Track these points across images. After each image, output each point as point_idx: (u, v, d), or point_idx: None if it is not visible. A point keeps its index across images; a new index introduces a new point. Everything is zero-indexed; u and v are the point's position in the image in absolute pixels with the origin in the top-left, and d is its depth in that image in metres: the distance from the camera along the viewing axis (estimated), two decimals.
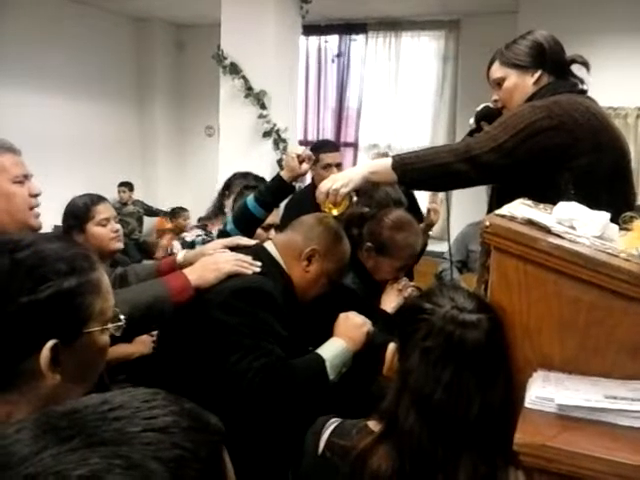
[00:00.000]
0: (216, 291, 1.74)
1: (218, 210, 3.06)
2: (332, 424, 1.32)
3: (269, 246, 1.92)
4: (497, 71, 2.07)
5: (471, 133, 2.18)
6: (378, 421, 1.25)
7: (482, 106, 2.19)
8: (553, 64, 2.01)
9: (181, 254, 2.09)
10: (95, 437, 0.50)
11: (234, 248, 1.94)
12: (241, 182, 2.94)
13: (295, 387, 1.63)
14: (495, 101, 2.13)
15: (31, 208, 1.84)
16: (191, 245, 2.84)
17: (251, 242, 2.01)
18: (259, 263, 1.80)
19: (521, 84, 2.02)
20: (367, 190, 3.16)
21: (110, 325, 1.00)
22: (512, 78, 2.03)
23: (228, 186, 3.07)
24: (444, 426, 1.13)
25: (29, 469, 0.48)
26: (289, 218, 3.58)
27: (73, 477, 0.47)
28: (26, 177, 1.82)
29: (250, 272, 1.76)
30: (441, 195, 3.22)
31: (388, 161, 1.97)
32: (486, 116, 2.14)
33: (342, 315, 1.86)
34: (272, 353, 1.63)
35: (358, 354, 1.78)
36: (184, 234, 3.07)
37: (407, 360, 1.19)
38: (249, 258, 1.80)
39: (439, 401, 1.13)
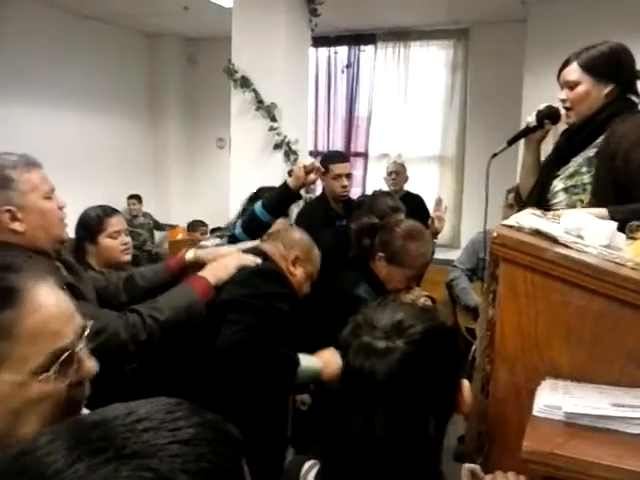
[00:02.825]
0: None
1: None
2: (312, 470, 1.18)
3: (268, 250, 2.15)
4: (573, 73, 2.06)
5: (531, 130, 2.18)
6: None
7: (544, 105, 2.16)
8: (626, 79, 2.03)
9: (191, 252, 2.18)
10: (126, 449, 0.51)
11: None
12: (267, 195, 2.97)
13: (264, 361, 1.80)
14: (562, 101, 2.11)
15: (61, 220, 1.90)
16: None
17: (252, 244, 2.25)
18: (259, 260, 2.04)
19: (593, 93, 2.03)
20: (367, 201, 3.22)
21: (41, 376, 0.84)
22: (586, 85, 2.03)
23: (254, 199, 3.06)
24: (363, 466, 1.01)
25: None
26: (300, 225, 3.62)
27: None
28: (52, 191, 1.87)
29: (254, 264, 2.01)
30: (445, 203, 3.24)
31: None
32: (550, 115, 2.14)
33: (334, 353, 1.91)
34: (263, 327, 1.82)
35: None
36: (202, 242, 3.09)
37: (334, 401, 1.09)
38: (249, 256, 2.05)
39: (353, 445, 1.02)
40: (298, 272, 2.11)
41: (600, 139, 2.02)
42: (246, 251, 2.14)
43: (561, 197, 2.09)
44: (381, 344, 1.01)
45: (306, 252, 2.14)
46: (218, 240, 2.99)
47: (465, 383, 1.12)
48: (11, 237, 1.76)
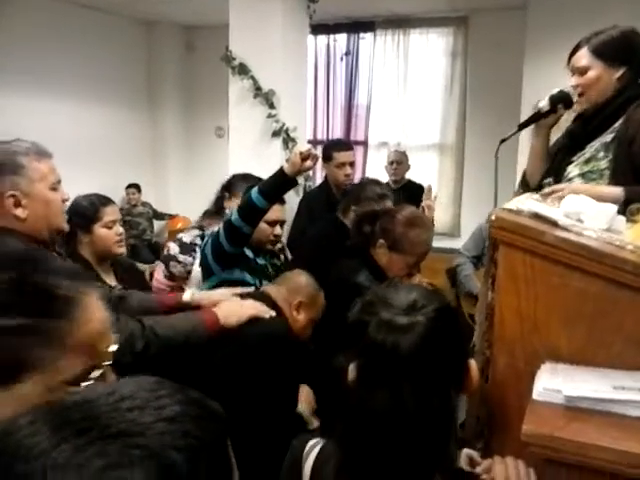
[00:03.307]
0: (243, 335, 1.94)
1: (217, 211, 2.95)
2: (314, 448, 1.19)
3: (271, 293, 2.12)
4: (583, 58, 2.04)
5: (543, 115, 2.15)
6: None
7: (557, 90, 2.13)
8: (638, 63, 2.01)
9: (188, 293, 2.17)
10: (112, 428, 0.51)
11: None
12: (242, 184, 2.84)
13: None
14: (574, 87, 2.08)
15: (62, 212, 1.92)
16: (191, 247, 2.81)
17: (250, 290, 2.25)
18: (274, 312, 1.99)
19: (605, 78, 2.01)
20: (354, 189, 3.22)
21: (71, 388, 0.82)
22: (597, 70, 2.01)
23: (228, 187, 2.97)
24: (386, 442, 1.01)
25: (49, 461, 0.49)
26: (301, 213, 3.63)
27: (94, 469, 0.48)
28: (59, 182, 1.88)
29: (267, 316, 1.98)
30: (445, 191, 3.22)
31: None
32: (563, 100, 2.10)
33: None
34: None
35: None
36: (180, 235, 2.96)
37: (351, 378, 1.09)
38: (265, 307, 2.00)
39: (379, 420, 1.02)
40: (301, 317, 2.09)
41: (617, 124, 2.01)
42: (247, 295, 2.11)
43: (577, 183, 2.07)
44: (403, 320, 1.03)
45: (311, 298, 2.11)
46: (197, 231, 2.93)
47: (472, 362, 1.12)
48: (12, 223, 1.76)
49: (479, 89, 6.45)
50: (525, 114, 5.56)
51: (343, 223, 3.02)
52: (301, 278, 2.17)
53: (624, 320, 1.21)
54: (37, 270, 0.85)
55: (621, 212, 1.46)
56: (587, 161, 2.06)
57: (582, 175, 2.06)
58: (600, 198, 1.76)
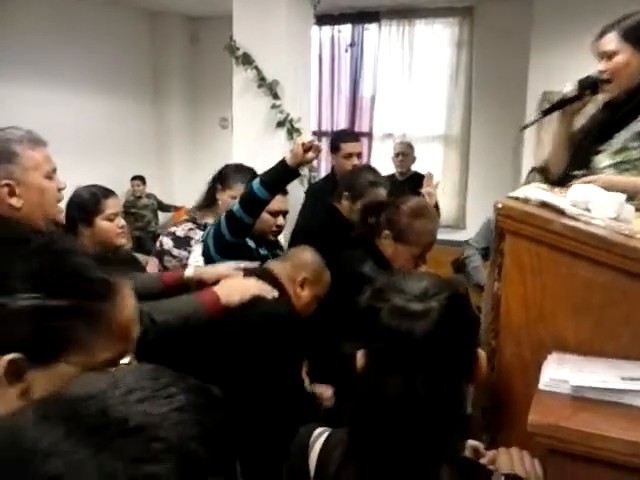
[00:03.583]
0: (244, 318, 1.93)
1: (209, 202, 2.90)
2: (321, 435, 1.18)
3: (275, 269, 2.10)
4: (611, 42, 1.99)
5: (569, 101, 2.10)
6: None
7: (585, 76, 2.07)
8: None
9: (190, 269, 2.15)
10: (127, 423, 0.49)
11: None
12: (234, 175, 2.81)
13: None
14: (601, 72, 2.03)
15: (58, 202, 1.89)
16: (185, 241, 2.78)
17: (254, 264, 2.24)
18: (276, 292, 1.97)
19: (634, 62, 1.97)
20: (347, 177, 3.20)
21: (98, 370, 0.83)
22: (625, 54, 1.97)
23: (220, 179, 2.91)
24: (396, 429, 1.00)
25: (61, 463, 0.46)
26: (307, 204, 3.61)
27: (117, 467, 0.46)
28: (54, 171, 1.85)
29: (270, 296, 1.95)
30: (436, 179, 3.17)
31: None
32: (591, 85, 2.05)
33: None
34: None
35: None
36: (173, 228, 2.89)
37: (361, 365, 1.08)
38: (268, 286, 1.97)
39: (390, 406, 1.01)
40: (305, 294, 2.06)
41: None
42: (250, 271, 2.08)
43: (609, 174, 2.00)
44: (417, 306, 1.02)
45: (316, 275, 2.09)
46: (190, 224, 2.89)
47: (481, 351, 1.11)
48: (7, 212, 1.74)
49: (484, 80, 6.40)
50: (531, 105, 5.54)
51: (337, 210, 3.01)
52: (306, 254, 2.15)
53: (633, 311, 1.20)
54: (74, 256, 0.86)
55: None
56: (619, 151, 2.00)
57: (614, 166, 2.00)
58: (636, 189, 1.74)
